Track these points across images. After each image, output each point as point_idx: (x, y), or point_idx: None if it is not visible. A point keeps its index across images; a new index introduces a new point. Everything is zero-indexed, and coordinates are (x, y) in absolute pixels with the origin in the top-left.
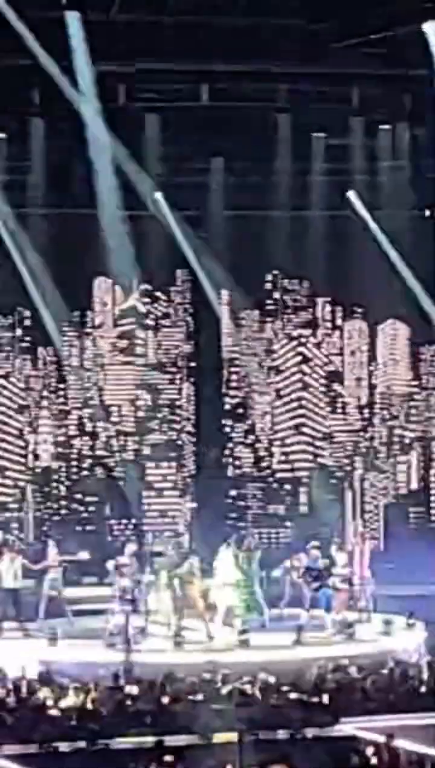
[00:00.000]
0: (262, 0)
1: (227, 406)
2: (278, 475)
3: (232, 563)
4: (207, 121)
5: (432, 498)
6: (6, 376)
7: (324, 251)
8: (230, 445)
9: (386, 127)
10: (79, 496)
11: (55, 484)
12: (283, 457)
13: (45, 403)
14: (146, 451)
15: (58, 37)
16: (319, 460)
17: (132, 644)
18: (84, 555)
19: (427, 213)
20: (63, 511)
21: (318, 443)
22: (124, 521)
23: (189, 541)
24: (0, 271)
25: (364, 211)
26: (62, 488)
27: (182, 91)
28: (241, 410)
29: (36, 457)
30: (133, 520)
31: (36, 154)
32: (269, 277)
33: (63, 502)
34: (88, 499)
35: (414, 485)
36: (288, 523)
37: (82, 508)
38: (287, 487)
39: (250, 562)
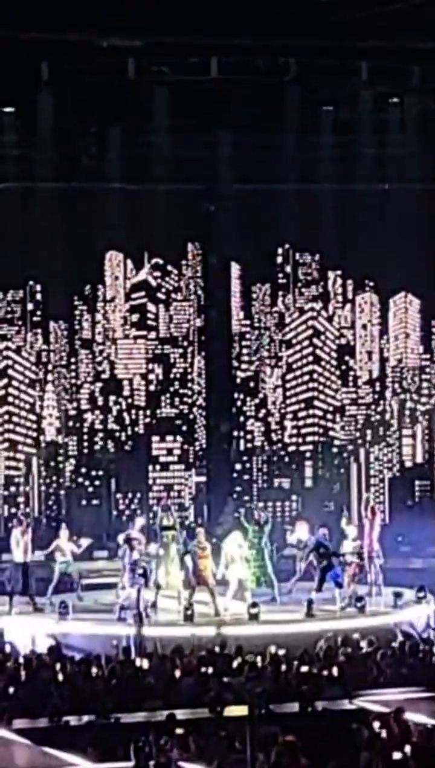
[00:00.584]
0: None
1: (238, 380)
2: (290, 448)
3: (242, 537)
4: (216, 95)
5: None
6: (18, 351)
7: (334, 224)
8: (241, 419)
9: (395, 100)
10: (84, 470)
11: (61, 459)
12: (294, 431)
13: (50, 377)
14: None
15: (66, 11)
16: (330, 433)
17: (144, 618)
18: (85, 541)
19: None
20: (70, 485)
21: (329, 416)
22: (130, 495)
23: (195, 514)
24: (12, 245)
25: (374, 183)
26: (69, 463)
27: (191, 65)
28: (252, 384)
29: (41, 431)
30: (139, 495)
31: (44, 128)
32: (280, 251)
33: (70, 477)
34: (94, 473)
35: (419, 458)
36: (293, 497)
37: (88, 483)
38: (291, 460)
39: (261, 536)
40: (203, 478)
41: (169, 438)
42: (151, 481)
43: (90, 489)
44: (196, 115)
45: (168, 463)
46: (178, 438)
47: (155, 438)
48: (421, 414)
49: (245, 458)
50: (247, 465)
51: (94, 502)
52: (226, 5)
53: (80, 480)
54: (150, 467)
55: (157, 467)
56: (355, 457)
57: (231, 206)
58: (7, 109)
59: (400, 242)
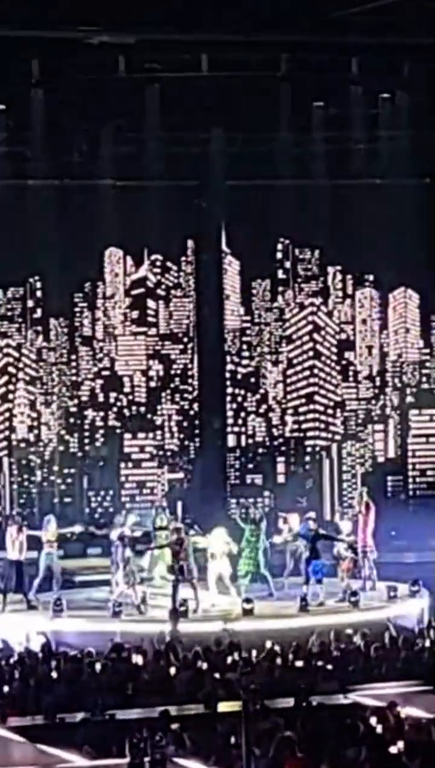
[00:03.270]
0: None
1: (239, 376)
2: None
3: (227, 533)
4: (207, 91)
5: (409, 467)
6: (18, 348)
7: (329, 220)
8: (236, 415)
9: (386, 95)
10: (56, 468)
11: (32, 456)
12: (295, 426)
13: (21, 375)
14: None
15: (57, 8)
16: (332, 428)
17: (179, 614)
18: (78, 528)
19: (428, 181)
20: (42, 483)
21: (330, 411)
22: (102, 493)
23: (170, 511)
24: (11, 242)
25: (367, 179)
26: (38, 460)
27: (183, 62)
28: (252, 380)
29: (13, 429)
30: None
31: (37, 126)
32: (280, 247)
33: (41, 474)
34: (66, 470)
35: (391, 453)
36: (266, 493)
37: (60, 480)
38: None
39: (258, 534)
40: (179, 475)
41: (141, 435)
42: (123, 479)
43: (63, 487)
44: (188, 111)
45: (140, 460)
46: (150, 435)
47: (127, 435)
48: (393, 409)
49: (237, 454)
50: (242, 460)
51: (67, 500)
52: (217, 1)
53: (52, 478)
54: (122, 465)
55: (130, 465)
56: (327, 452)
57: (223, 202)
58: None
59: (396, 237)
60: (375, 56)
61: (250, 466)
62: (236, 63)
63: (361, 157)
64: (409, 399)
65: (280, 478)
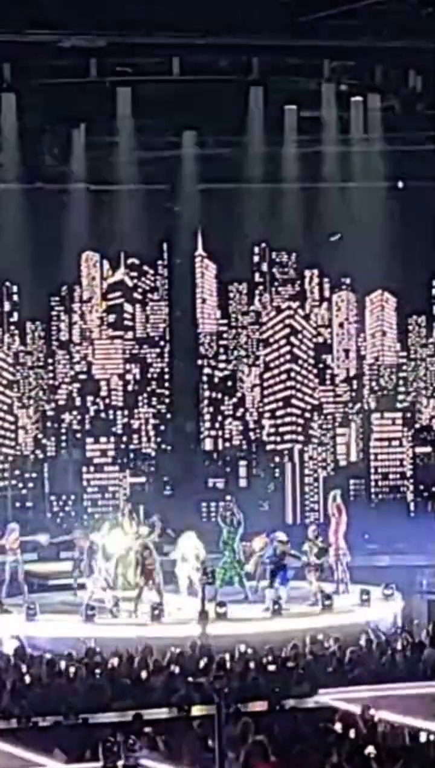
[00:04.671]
0: None
1: (216, 379)
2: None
3: (197, 536)
4: (179, 95)
5: (371, 470)
6: None
7: (305, 223)
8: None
9: (358, 98)
10: (17, 472)
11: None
12: (272, 430)
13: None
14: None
15: (28, 11)
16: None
17: (208, 617)
18: (43, 538)
19: (401, 184)
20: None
21: (307, 415)
22: (64, 497)
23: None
24: None
25: (339, 182)
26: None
27: (153, 65)
28: (230, 383)
29: None
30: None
31: (8, 129)
32: (256, 250)
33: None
34: (27, 475)
35: (353, 457)
36: (228, 497)
37: (21, 485)
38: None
39: (233, 537)
40: (140, 479)
41: (103, 439)
42: (85, 483)
43: (23, 491)
44: (159, 115)
45: (102, 464)
46: (112, 439)
47: (89, 439)
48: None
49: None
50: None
51: (28, 504)
52: (188, 4)
53: (14, 482)
54: (84, 468)
55: (92, 469)
56: (289, 456)
57: (196, 206)
58: None
59: (373, 240)
60: (346, 60)
61: (222, 469)
62: (208, 66)
63: (335, 160)
64: (373, 403)
65: (242, 482)
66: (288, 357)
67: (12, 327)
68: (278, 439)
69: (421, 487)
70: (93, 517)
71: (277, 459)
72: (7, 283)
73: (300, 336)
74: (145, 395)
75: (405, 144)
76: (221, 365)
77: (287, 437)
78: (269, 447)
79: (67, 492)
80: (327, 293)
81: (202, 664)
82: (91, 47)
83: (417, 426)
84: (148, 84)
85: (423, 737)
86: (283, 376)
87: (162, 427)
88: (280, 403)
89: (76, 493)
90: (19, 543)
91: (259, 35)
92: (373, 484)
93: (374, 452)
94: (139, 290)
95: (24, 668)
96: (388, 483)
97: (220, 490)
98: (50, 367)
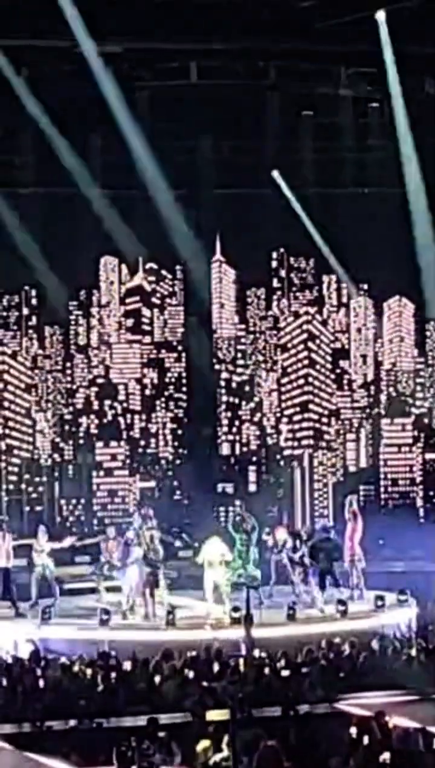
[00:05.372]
0: None
1: (233, 384)
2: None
3: (221, 542)
4: (196, 100)
5: (381, 476)
6: (14, 355)
7: (323, 229)
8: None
9: (375, 104)
10: (28, 476)
11: (4, 465)
12: (289, 435)
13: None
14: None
15: (46, 16)
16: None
17: (253, 619)
18: (70, 541)
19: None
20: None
21: (324, 420)
22: (74, 501)
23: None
24: (5, 250)
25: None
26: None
27: (171, 70)
28: (247, 388)
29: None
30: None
31: (26, 134)
32: (275, 255)
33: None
34: (37, 479)
35: (363, 463)
36: (237, 502)
37: (31, 489)
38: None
39: (249, 544)
40: (150, 484)
41: (113, 444)
42: (94, 487)
43: (33, 495)
44: (177, 119)
45: (111, 468)
46: (122, 443)
47: (99, 444)
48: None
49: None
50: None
51: (38, 507)
52: (206, 10)
53: (23, 486)
54: (93, 473)
55: (101, 473)
56: (299, 461)
57: (213, 210)
58: None
59: (390, 246)
60: (364, 66)
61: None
62: (225, 71)
63: (350, 166)
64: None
65: (252, 487)
66: (306, 362)
67: (30, 331)
68: (296, 444)
69: (432, 493)
70: (102, 522)
71: (287, 464)
72: (26, 288)
73: (318, 341)
74: (162, 399)
75: (421, 150)
76: (239, 370)
77: (304, 442)
78: (280, 452)
79: (77, 496)
80: (345, 299)
81: (216, 668)
82: (109, 52)
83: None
84: (165, 89)
85: None
86: (301, 381)
87: (179, 432)
88: (298, 408)
89: (85, 497)
90: (49, 546)
91: (276, 41)
92: (382, 490)
93: (384, 458)
94: (158, 295)
95: (39, 672)
96: (397, 489)
97: (229, 495)
98: (68, 371)
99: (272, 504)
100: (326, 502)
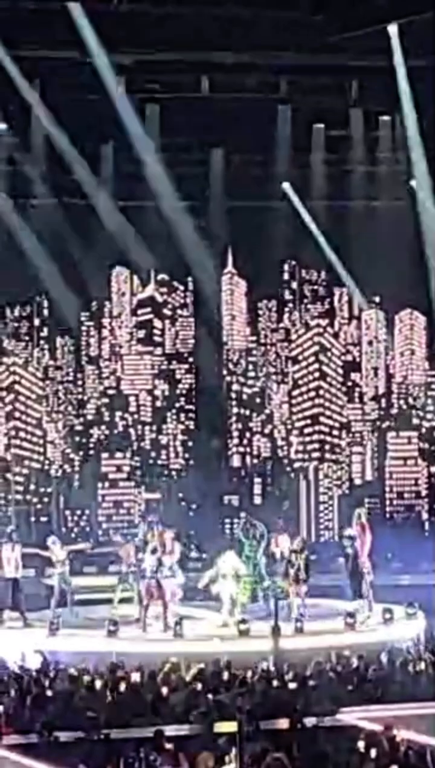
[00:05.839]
0: None
1: (244, 396)
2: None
3: (236, 556)
4: (207, 113)
5: (386, 488)
6: (25, 366)
7: (335, 241)
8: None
9: (386, 118)
10: (33, 487)
11: (9, 475)
12: (300, 447)
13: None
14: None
15: (58, 29)
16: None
17: (281, 631)
18: (86, 545)
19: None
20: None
21: (335, 432)
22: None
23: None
24: (18, 261)
25: (366, 200)
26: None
27: (182, 83)
28: (258, 400)
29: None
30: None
31: (38, 145)
32: (286, 267)
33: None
34: (42, 490)
35: (369, 476)
36: (242, 514)
37: (36, 500)
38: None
39: (256, 550)
40: (156, 495)
41: (119, 455)
42: (99, 498)
43: (38, 506)
44: (188, 132)
45: (117, 479)
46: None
47: (105, 455)
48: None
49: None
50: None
51: (43, 519)
52: (217, 23)
53: (28, 497)
54: (99, 484)
55: (106, 484)
56: (304, 474)
57: (225, 223)
58: (1, 126)
59: (400, 258)
60: (374, 79)
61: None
62: (236, 84)
63: (361, 179)
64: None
65: (257, 500)
66: (317, 374)
67: (42, 342)
68: (306, 456)
69: None
70: (107, 532)
71: (295, 476)
72: (38, 298)
73: (329, 354)
74: (173, 411)
75: (432, 163)
76: (250, 382)
77: (315, 455)
78: (286, 464)
79: (83, 506)
80: (356, 311)
81: (224, 680)
82: (120, 64)
83: None
84: (176, 102)
85: None
86: (312, 394)
87: (190, 443)
88: (309, 421)
89: (90, 507)
90: (66, 554)
91: (288, 54)
92: (388, 503)
93: (390, 471)
94: (169, 306)
95: (46, 683)
96: (402, 502)
97: (235, 507)
98: (79, 382)
99: (278, 516)
100: (331, 514)
